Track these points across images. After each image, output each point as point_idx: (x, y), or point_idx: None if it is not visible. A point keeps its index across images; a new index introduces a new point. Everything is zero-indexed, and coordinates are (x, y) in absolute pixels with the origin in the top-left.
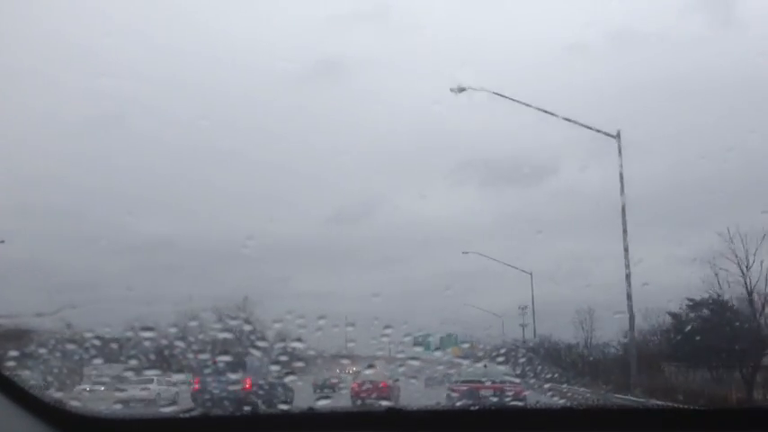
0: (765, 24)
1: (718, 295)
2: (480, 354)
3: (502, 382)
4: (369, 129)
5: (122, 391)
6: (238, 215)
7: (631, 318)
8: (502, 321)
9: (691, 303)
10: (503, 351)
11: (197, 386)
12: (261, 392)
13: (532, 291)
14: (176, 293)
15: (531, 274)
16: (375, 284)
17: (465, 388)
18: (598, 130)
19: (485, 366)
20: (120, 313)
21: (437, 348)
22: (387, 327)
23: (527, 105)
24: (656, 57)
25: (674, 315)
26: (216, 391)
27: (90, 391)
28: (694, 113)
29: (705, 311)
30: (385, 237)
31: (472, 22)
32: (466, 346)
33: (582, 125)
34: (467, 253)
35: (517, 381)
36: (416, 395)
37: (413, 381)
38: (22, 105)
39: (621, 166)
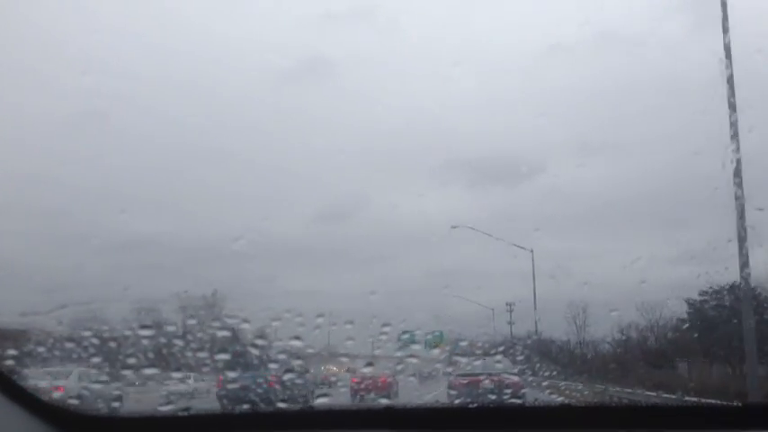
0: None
1: (732, 284)
2: (479, 352)
3: (500, 375)
4: (359, 127)
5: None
6: (228, 213)
7: (746, 286)
8: (493, 315)
9: (703, 292)
10: (501, 349)
11: (220, 383)
12: (285, 388)
13: (533, 270)
14: (167, 291)
15: (532, 251)
16: (366, 282)
17: (465, 381)
18: None
19: (483, 359)
20: (104, 313)
21: (435, 346)
22: (385, 325)
23: None
24: (644, 57)
25: (690, 304)
26: (242, 388)
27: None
28: (691, 112)
29: (718, 301)
30: (375, 234)
31: (462, 22)
32: (464, 344)
33: None
34: (455, 227)
35: (516, 378)
36: (413, 391)
37: (411, 379)
38: (10, 103)
39: (726, 18)
